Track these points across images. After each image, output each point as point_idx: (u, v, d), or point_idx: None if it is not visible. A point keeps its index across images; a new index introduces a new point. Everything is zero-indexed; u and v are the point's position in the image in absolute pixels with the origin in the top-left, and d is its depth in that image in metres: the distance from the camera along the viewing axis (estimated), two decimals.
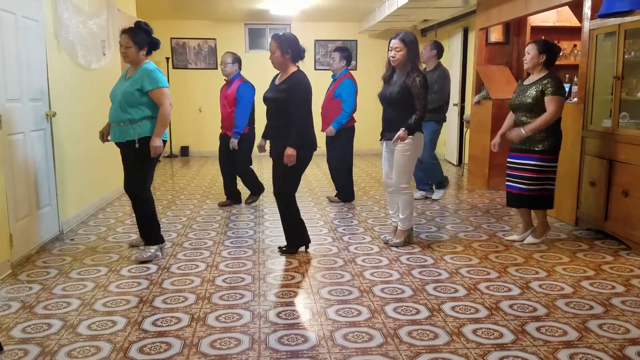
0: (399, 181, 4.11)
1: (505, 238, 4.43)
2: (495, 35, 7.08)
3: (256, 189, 5.92)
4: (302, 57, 3.91)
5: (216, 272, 3.67)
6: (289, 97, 3.77)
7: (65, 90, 4.77)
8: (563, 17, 6.51)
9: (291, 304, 3.15)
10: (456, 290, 3.31)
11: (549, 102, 3.97)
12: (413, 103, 3.94)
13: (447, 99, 5.85)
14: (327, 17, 9.71)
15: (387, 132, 4.14)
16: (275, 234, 4.60)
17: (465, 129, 8.04)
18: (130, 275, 3.60)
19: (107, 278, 3.55)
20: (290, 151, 3.77)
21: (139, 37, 3.81)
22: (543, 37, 4.52)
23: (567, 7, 5.59)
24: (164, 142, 3.88)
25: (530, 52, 4.10)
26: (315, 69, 10.09)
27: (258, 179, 5.97)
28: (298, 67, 3.92)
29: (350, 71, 5.80)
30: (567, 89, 5.43)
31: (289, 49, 3.80)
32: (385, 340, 2.64)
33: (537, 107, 4.01)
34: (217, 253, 4.10)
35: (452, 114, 8.94)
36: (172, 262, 3.87)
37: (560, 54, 5.33)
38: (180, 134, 10.15)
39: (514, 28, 6.98)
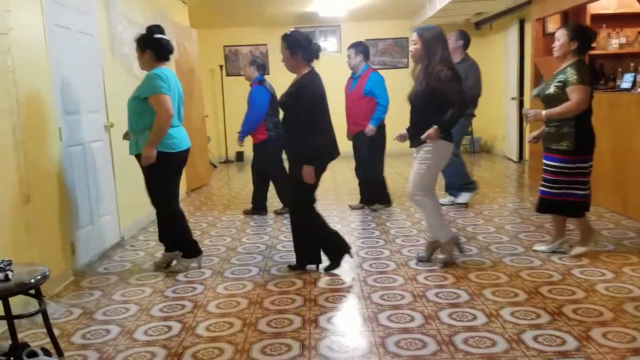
0: (413, 190, 3.66)
1: (532, 248, 3.99)
2: (553, 26, 6.77)
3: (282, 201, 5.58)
4: (316, 57, 3.56)
5: (268, 276, 3.68)
6: (295, 102, 3.48)
7: (122, 102, 4.89)
8: (625, 2, 6.15)
9: (342, 309, 3.12)
10: (516, 295, 3.16)
11: (572, 92, 3.45)
12: (440, 103, 3.45)
13: (480, 92, 5.34)
14: (376, 15, 9.60)
15: (412, 139, 3.67)
16: None
17: (525, 124, 7.73)
18: (186, 280, 3.67)
19: (164, 283, 3.63)
20: (306, 169, 3.45)
21: (139, 40, 3.70)
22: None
23: None
24: (184, 152, 3.71)
25: (560, 38, 3.62)
26: None
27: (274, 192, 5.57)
28: (312, 67, 3.58)
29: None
30: (632, 79, 5.12)
31: (297, 49, 3.49)
32: (439, 348, 2.55)
33: (554, 99, 3.54)
34: (270, 257, 4.11)
35: (511, 108, 8.65)
36: (225, 267, 3.92)
37: (593, 42, 4.67)
38: (236, 139, 10.28)
39: (573, 17, 6.64)
